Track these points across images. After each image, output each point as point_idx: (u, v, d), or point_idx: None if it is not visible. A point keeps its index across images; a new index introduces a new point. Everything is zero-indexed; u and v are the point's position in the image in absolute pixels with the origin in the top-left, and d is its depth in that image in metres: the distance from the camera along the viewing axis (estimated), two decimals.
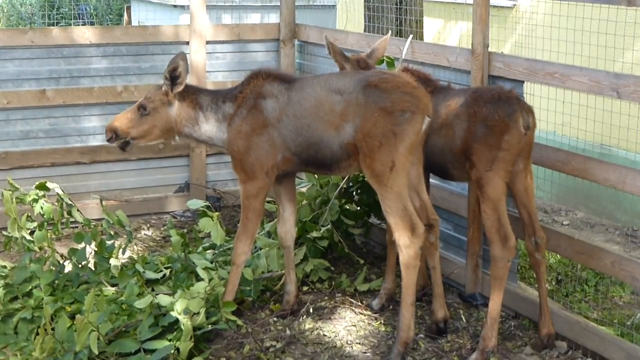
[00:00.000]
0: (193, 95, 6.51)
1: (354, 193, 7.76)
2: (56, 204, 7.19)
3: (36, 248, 6.92)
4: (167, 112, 6.45)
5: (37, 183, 7.18)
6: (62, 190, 7.26)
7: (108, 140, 6.55)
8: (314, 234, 7.49)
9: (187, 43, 9.17)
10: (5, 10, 25.48)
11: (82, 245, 7.01)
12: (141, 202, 9.16)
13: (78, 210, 7.29)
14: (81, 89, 8.81)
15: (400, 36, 9.54)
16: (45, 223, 7.09)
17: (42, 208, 7.09)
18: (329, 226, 7.58)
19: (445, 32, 12.51)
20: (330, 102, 6.13)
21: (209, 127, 6.49)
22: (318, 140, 6.17)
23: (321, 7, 16.70)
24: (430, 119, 6.07)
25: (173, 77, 6.37)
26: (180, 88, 6.38)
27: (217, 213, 7.14)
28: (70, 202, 7.23)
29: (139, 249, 8.29)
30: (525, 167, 6.26)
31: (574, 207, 10.09)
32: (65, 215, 7.22)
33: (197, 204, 7.34)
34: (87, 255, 6.96)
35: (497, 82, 6.79)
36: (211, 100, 6.50)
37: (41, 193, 7.12)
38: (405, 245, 5.99)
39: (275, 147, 6.28)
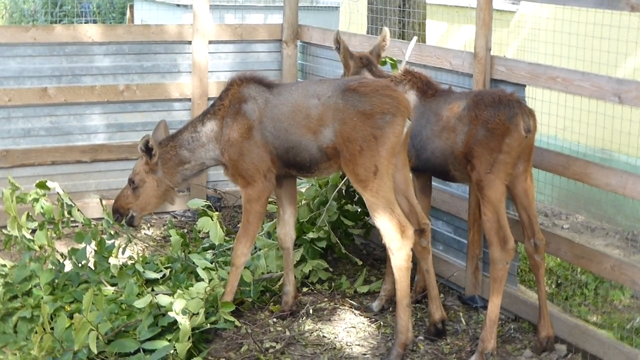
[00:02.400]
0: (169, 144, 6.66)
1: (354, 193, 7.76)
2: (57, 203, 7.19)
3: (36, 247, 6.92)
4: (154, 178, 6.63)
5: (37, 182, 7.17)
6: (63, 190, 7.26)
7: (115, 221, 6.84)
8: (311, 235, 7.49)
9: (190, 42, 9.17)
10: (7, 8, 25.47)
11: (83, 244, 7.01)
12: None
13: (78, 210, 7.29)
14: (83, 87, 8.81)
15: (403, 39, 9.54)
16: (46, 222, 7.09)
17: (42, 207, 7.08)
18: (326, 227, 7.58)
19: (448, 35, 12.51)
20: (306, 106, 6.18)
21: (199, 154, 6.62)
22: (296, 143, 6.23)
23: (324, 9, 16.68)
24: (411, 122, 6.08)
25: (148, 149, 6.54)
26: (156, 158, 6.56)
27: (217, 213, 7.14)
28: (70, 202, 7.22)
29: (139, 248, 8.29)
30: (525, 170, 6.26)
31: (574, 211, 10.09)
32: (66, 214, 7.21)
33: (197, 203, 7.35)
34: (87, 255, 6.96)
35: (499, 85, 6.79)
36: (189, 133, 6.64)
37: (42, 192, 7.12)
38: (396, 248, 6.01)
39: (264, 149, 6.32)
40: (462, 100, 6.37)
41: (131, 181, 6.67)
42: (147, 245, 8.36)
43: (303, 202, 7.72)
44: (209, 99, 9.17)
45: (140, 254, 7.91)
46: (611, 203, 9.58)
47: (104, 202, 7.61)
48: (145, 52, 9.10)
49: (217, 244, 7.21)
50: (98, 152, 8.94)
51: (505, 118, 6.07)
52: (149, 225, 9.02)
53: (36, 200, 7.07)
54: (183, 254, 7.24)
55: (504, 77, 6.78)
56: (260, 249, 7.37)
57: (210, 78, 9.28)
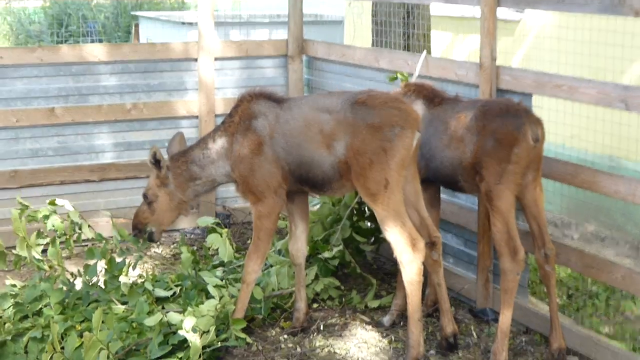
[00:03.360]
0: (180, 159, 6.69)
1: (366, 209, 7.74)
2: (67, 219, 7.19)
3: (46, 267, 6.92)
4: (166, 192, 6.67)
5: (49, 201, 7.18)
6: (73, 207, 7.26)
7: (135, 236, 6.89)
8: (326, 254, 7.47)
9: (196, 60, 9.18)
10: (14, 29, 25.57)
11: (94, 261, 7.00)
12: None
13: (89, 225, 7.29)
14: (90, 106, 8.82)
15: (408, 50, 9.54)
16: (57, 239, 7.08)
17: (54, 225, 7.08)
18: (340, 246, 7.56)
19: (452, 46, 12.51)
20: (319, 121, 6.17)
21: (209, 171, 6.63)
22: (309, 159, 6.22)
23: (329, 23, 16.70)
24: (420, 134, 6.08)
25: (156, 161, 6.58)
26: (165, 169, 6.59)
27: (226, 230, 7.13)
28: (80, 220, 7.22)
29: (149, 266, 8.28)
30: (534, 179, 6.25)
31: (584, 220, 10.06)
32: (77, 230, 7.21)
33: (207, 221, 7.34)
34: (97, 270, 6.95)
35: (505, 95, 6.78)
36: (201, 149, 6.65)
37: (52, 208, 7.12)
38: (408, 261, 6.00)
39: (274, 165, 6.31)
40: (469, 109, 6.36)
41: (145, 196, 6.71)
42: (156, 263, 8.36)
43: (316, 220, 7.71)
44: (216, 115, 9.18)
45: (150, 272, 7.91)
46: (621, 211, 9.55)
47: (113, 219, 7.60)
48: (152, 70, 9.11)
49: (226, 261, 7.20)
50: (106, 171, 8.95)
51: (513, 128, 6.05)
52: (158, 243, 9.01)
53: (47, 217, 7.07)
54: (193, 271, 7.23)
55: (510, 86, 6.77)
56: (272, 266, 7.36)
57: (216, 95, 9.29)
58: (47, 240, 7.10)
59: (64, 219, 7.21)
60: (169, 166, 6.63)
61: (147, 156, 6.60)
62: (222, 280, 7.09)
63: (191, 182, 6.65)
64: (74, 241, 7.30)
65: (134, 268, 7.19)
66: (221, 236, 7.05)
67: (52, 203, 7.16)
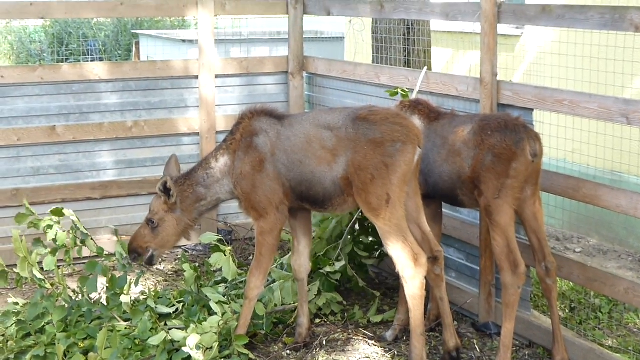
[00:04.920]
0: (185, 182, 6.68)
1: (368, 224, 7.73)
2: (70, 231, 7.17)
3: (48, 285, 6.91)
4: (173, 217, 6.66)
5: (52, 209, 7.15)
6: (77, 218, 7.24)
7: (132, 261, 6.86)
8: (328, 269, 7.47)
9: (197, 77, 9.20)
10: (15, 48, 25.62)
11: (94, 273, 6.98)
12: None
13: (92, 239, 7.28)
14: (91, 124, 8.84)
15: (408, 66, 9.55)
16: (57, 250, 7.05)
17: (56, 235, 7.06)
18: (342, 261, 7.56)
19: (453, 61, 12.53)
20: (320, 138, 6.18)
21: (215, 190, 6.65)
22: (310, 176, 6.23)
23: (329, 39, 16.74)
24: (421, 149, 6.09)
25: (166, 189, 6.57)
26: (174, 198, 6.59)
27: (229, 248, 7.12)
28: (85, 231, 7.21)
29: (151, 283, 8.28)
30: (533, 194, 6.27)
31: (586, 234, 10.06)
32: (79, 243, 7.19)
33: (210, 238, 7.33)
34: (97, 286, 6.93)
35: (506, 110, 6.79)
36: (204, 170, 6.67)
37: (56, 219, 7.09)
38: (410, 276, 6.01)
39: (276, 182, 6.32)
40: (467, 124, 6.38)
41: (150, 221, 6.68)
42: (159, 279, 8.36)
43: (319, 235, 7.70)
44: (217, 132, 9.20)
45: (153, 289, 7.90)
46: (622, 225, 9.54)
47: (117, 234, 7.56)
48: (152, 88, 9.13)
49: (230, 280, 7.19)
50: (108, 188, 8.96)
51: (511, 143, 6.07)
52: (160, 259, 8.99)
53: (50, 227, 7.04)
54: (196, 287, 7.22)
55: (511, 101, 6.78)
56: (275, 281, 7.35)
57: (217, 112, 9.31)
58: (46, 250, 7.05)
59: (66, 229, 7.18)
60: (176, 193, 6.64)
61: (158, 184, 6.59)
62: (224, 297, 7.09)
63: (197, 203, 6.66)
64: (75, 258, 7.26)
65: (135, 285, 7.19)
66: (224, 254, 7.04)
67: (56, 211, 7.14)
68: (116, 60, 22.27)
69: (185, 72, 9.20)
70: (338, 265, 7.52)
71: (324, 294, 7.41)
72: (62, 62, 20.06)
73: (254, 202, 6.41)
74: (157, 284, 8.26)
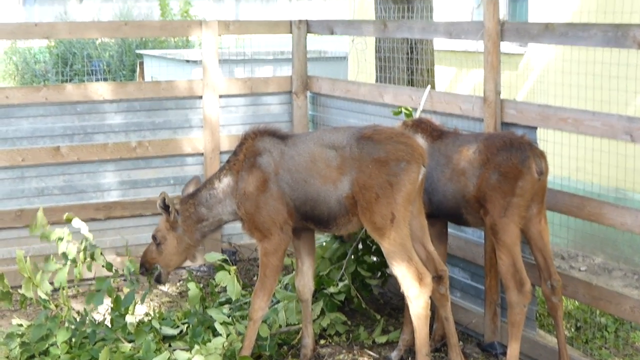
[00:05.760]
0: (189, 201, 6.71)
1: (372, 244, 7.72)
2: (80, 245, 7.14)
3: (52, 306, 6.89)
4: (174, 235, 6.68)
5: (65, 215, 7.14)
6: (88, 231, 7.22)
7: (142, 274, 6.94)
8: (331, 289, 7.46)
9: (201, 97, 9.21)
10: (19, 68, 25.68)
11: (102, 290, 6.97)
12: None
13: (101, 253, 7.25)
14: (95, 145, 8.84)
15: (412, 85, 9.56)
16: (67, 265, 7.03)
17: (67, 248, 7.04)
18: (346, 281, 7.54)
19: (456, 80, 12.54)
20: (325, 157, 6.18)
21: (217, 210, 6.65)
22: (315, 195, 6.22)
23: (333, 59, 16.76)
24: (425, 169, 6.09)
25: (166, 206, 6.61)
26: (174, 214, 6.61)
27: (234, 267, 7.11)
28: (93, 244, 7.19)
29: (156, 304, 8.26)
30: (539, 212, 6.26)
31: (591, 253, 10.03)
32: (88, 257, 7.16)
33: (214, 257, 7.31)
34: (103, 300, 6.91)
35: (510, 128, 6.78)
36: (207, 190, 6.68)
37: (67, 232, 7.08)
38: (415, 296, 5.99)
39: (280, 202, 6.31)
40: (472, 143, 6.38)
41: (154, 237, 6.73)
42: (163, 301, 8.34)
43: (322, 255, 7.69)
44: (221, 152, 9.20)
45: (157, 310, 7.89)
46: (628, 243, 9.52)
47: (121, 254, 7.53)
48: (157, 108, 9.13)
49: (234, 299, 7.17)
50: (112, 209, 8.95)
51: (517, 161, 6.07)
52: (169, 278, 8.98)
53: (61, 239, 7.03)
54: (200, 308, 7.20)
55: (514, 120, 6.78)
56: (279, 301, 7.34)
57: (221, 132, 9.31)
58: (58, 266, 7.03)
59: (77, 242, 7.17)
60: (178, 210, 6.64)
61: (157, 201, 6.62)
62: (229, 318, 7.07)
63: (199, 223, 6.66)
64: (80, 280, 7.26)
65: (142, 302, 7.17)
66: (229, 273, 7.03)
67: (68, 218, 7.13)
68: (120, 80, 22.29)
69: (189, 92, 9.21)
70: (341, 285, 7.50)
71: (328, 314, 7.39)
72: (67, 82, 20.11)
73: (257, 222, 6.40)
74: (162, 305, 8.25)
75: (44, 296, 6.88)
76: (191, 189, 6.84)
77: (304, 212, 6.35)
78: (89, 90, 8.83)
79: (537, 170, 6.10)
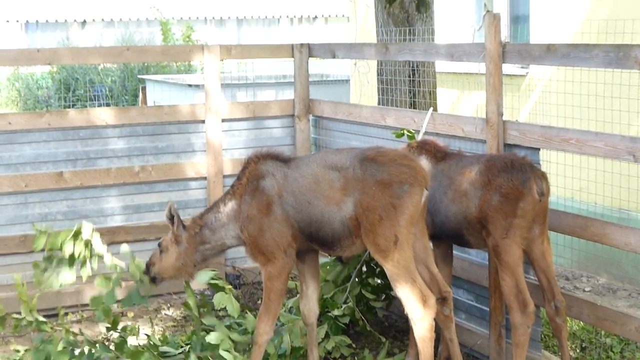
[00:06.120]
0: (197, 221, 6.74)
1: (375, 266, 7.71)
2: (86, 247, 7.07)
3: (48, 328, 6.83)
4: (175, 249, 6.71)
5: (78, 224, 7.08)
6: (96, 232, 7.16)
7: (145, 274, 6.93)
8: (336, 312, 7.44)
9: (203, 121, 9.22)
10: (22, 94, 25.75)
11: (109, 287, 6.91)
12: None
13: (108, 251, 7.18)
14: (98, 170, 8.85)
15: (414, 108, 9.57)
16: (74, 261, 6.94)
17: (73, 249, 6.96)
18: (350, 304, 7.53)
19: (459, 102, 12.55)
20: (328, 178, 6.19)
21: (219, 234, 6.68)
22: (319, 217, 6.22)
23: (335, 82, 16.78)
24: (428, 191, 6.09)
25: (171, 218, 6.67)
26: (179, 227, 6.67)
27: (228, 286, 7.04)
28: (103, 245, 7.13)
29: (160, 328, 8.25)
30: (541, 233, 6.27)
31: (595, 273, 10.02)
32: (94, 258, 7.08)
33: (206, 276, 7.13)
34: (115, 297, 6.86)
35: (513, 150, 6.79)
36: (213, 213, 6.71)
37: (73, 235, 7.01)
38: (419, 318, 5.98)
39: (284, 224, 6.31)
40: (474, 164, 6.39)
41: (159, 245, 6.79)
42: (167, 325, 8.33)
43: (326, 278, 7.68)
44: (224, 176, 9.21)
45: (161, 333, 7.87)
46: (632, 263, 9.51)
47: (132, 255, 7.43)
48: (159, 132, 9.15)
49: (236, 316, 7.08)
50: (115, 234, 8.94)
51: (518, 183, 6.09)
52: (169, 305, 8.99)
53: (68, 241, 6.95)
54: (198, 316, 7.14)
55: (517, 141, 6.78)
56: (283, 325, 7.32)
57: (224, 156, 9.32)
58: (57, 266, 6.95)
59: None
60: (185, 226, 6.66)
61: (165, 210, 6.69)
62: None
63: (201, 245, 6.68)
64: (82, 305, 7.20)
65: (145, 301, 7.09)
66: (225, 293, 6.96)
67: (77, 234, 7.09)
68: (123, 105, 22.35)
69: (192, 116, 9.23)
70: (346, 308, 7.49)
71: (333, 337, 7.38)
72: (69, 108, 20.15)
73: (261, 246, 6.40)
74: (166, 329, 8.23)
75: (41, 318, 6.84)
76: (170, 206, 6.84)
77: (309, 234, 6.35)
78: (92, 116, 8.85)
79: (538, 191, 6.11)
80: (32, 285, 6.87)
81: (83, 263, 6.98)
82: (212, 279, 7.07)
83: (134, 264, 7.07)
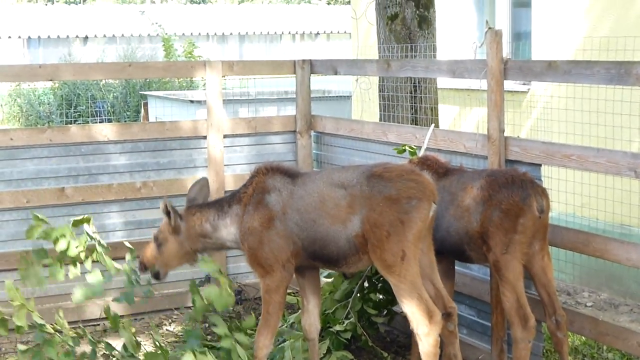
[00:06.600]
0: (198, 212, 6.74)
1: (377, 281, 7.71)
2: (83, 243, 7.05)
3: (48, 328, 6.80)
4: (175, 239, 6.74)
5: (74, 220, 7.08)
6: (96, 231, 7.16)
7: (141, 271, 6.96)
8: (337, 327, 7.44)
9: (205, 137, 9.23)
10: (24, 110, 25.80)
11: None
12: (162, 297, 9.11)
13: (107, 248, 7.18)
14: (100, 185, 8.85)
15: (416, 124, 9.59)
16: (64, 257, 6.92)
17: (68, 245, 6.94)
18: (352, 319, 7.53)
19: (460, 118, 12.57)
20: (334, 196, 6.18)
21: (220, 233, 6.69)
22: (324, 235, 6.21)
23: (336, 98, 16.81)
24: (436, 205, 6.09)
25: (168, 212, 6.71)
26: (176, 220, 6.70)
27: (229, 280, 6.96)
28: (104, 244, 7.12)
29: (162, 344, 8.22)
30: (541, 249, 6.29)
31: (596, 288, 10.02)
32: (95, 256, 7.07)
33: (209, 266, 7.03)
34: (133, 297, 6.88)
35: (514, 166, 6.80)
36: (216, 210, 6.71)
37: (70, 231, 6.99)
38: (424, 333, 5.97)
39: (285, 240, 6.31)
40: (475, 180, 6.41)
41: (155, 238, 6.81)
42: (169, 341, 8.32)
43: (328, 293, 7.68)
44: (226, 192, 9.20)
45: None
46: (633, 278, 9.51)
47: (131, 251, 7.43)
48: (161, 148, 9.16)
49: (220, 310, 6.98)
50: (117, 250, 8.90)
51: (519, 199, 6.11)
52: (170, 320, 8.98)
53: (63, 236, 6.93)
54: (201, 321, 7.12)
55: (518, 157, 6.80)
56: (285, 340, 7.31)
57: (226, 171, 9.32)
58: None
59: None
60: (182, 215, 6.70)
61: (160, 206, 6.74)
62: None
63: (202, 237, 6.73)
64: (89, 320, 7.20)
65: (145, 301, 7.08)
66: (221, 283, 6.82)
67: (78, 223, 7.08)
68: (125, 121, 22.38)
69: (193, 132, 9.24)
70: (348, 323, 7.49)
71: (334, 352, 7.37)
72: (71, 123, 20.18)
73: (260, 258, 6.40)
74: (168, 345, 8.22)
75: (40, 320, 6.82)
76: (196, 190, 6.91)
77: (312, 252, 6.34)
78: (94, 131, 8.86)
79: (538, 208, 6.13)
80: (32, 292, 6.85)
81: (74, 262, 6.96)
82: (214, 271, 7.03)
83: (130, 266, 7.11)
